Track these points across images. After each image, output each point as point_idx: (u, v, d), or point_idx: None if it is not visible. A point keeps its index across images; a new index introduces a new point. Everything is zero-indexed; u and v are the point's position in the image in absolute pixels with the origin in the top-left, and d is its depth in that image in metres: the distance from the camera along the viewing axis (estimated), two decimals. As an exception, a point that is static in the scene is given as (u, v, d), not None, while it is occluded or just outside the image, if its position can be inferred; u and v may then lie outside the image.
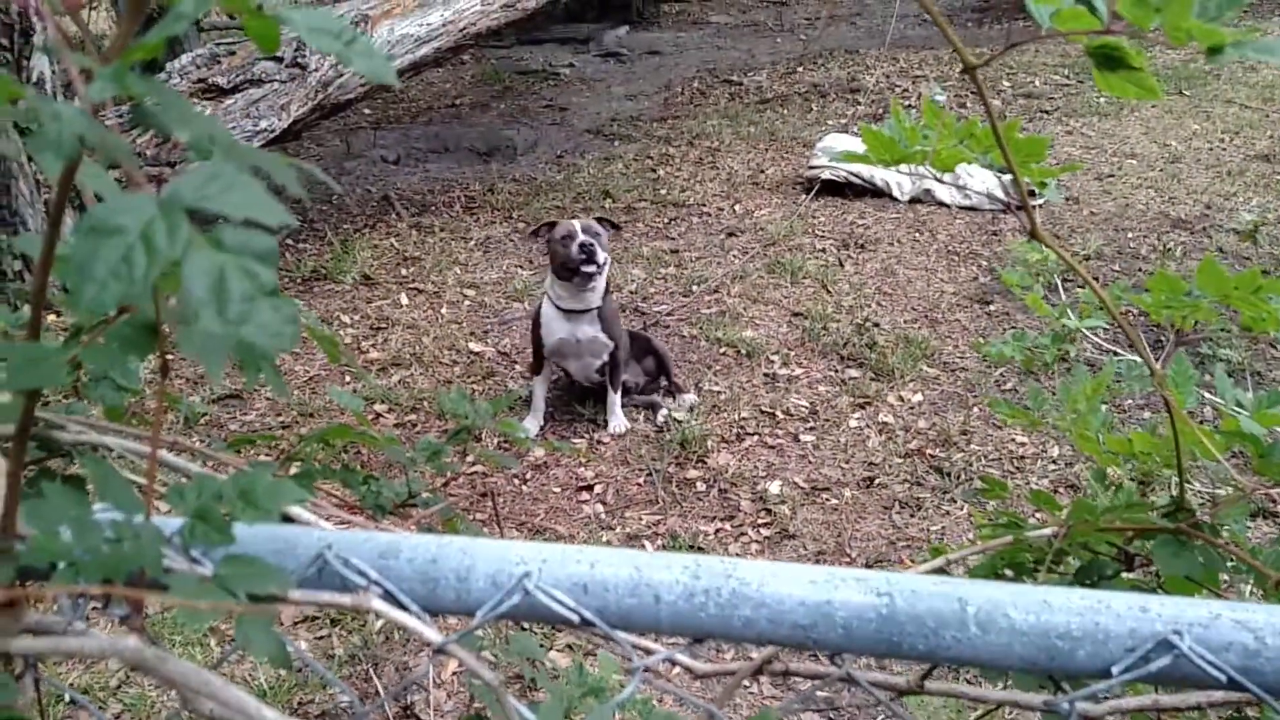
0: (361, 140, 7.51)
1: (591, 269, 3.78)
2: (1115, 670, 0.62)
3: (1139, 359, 1.21)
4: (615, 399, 4.03)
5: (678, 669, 0.77)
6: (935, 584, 0.65)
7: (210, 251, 0.46)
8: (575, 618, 0.66)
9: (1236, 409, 0.95)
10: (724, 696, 0.69)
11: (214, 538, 0.58)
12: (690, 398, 4.15)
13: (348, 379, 4.31)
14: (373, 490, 1.02)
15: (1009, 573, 0.85)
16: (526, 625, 2.99)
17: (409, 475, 1.07)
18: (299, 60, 4.57)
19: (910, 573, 0.69)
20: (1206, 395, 1.37)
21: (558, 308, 3.91)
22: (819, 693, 2.77)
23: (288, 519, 0.78)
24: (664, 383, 4.24)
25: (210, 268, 0.45)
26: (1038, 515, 2.68)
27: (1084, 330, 1.54)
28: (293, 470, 0.99)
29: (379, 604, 0.66)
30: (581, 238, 3.78)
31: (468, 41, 5.98)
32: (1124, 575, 0.85)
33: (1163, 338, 4.34)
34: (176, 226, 0.45)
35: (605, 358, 3.98)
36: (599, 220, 4.01)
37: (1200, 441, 0.77)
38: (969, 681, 2.16)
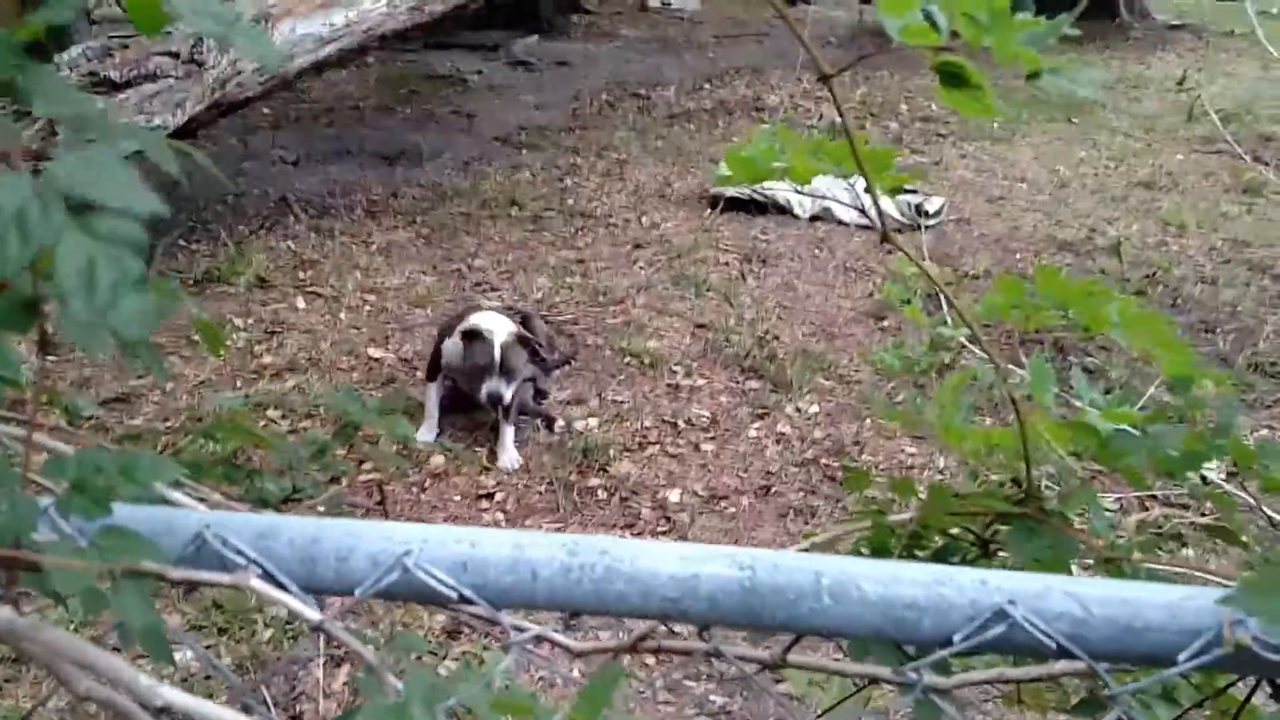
0: (260, 140, 7.35)
1: (496, 404, 3.70)
2: (956, 638, 0.67)
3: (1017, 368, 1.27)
4: (508, 433, 3.85)
5: (562, 653, 0.80)
6: (794, 558, 0.69)
7: (82, 238, 0.47)
8: (454, 594, 0.68)
9: (1091, 407, 1.02)
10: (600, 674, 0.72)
11: (91, 510, 0.58)
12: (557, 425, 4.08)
13: (239, 384, 4.22)
14: (256, 485, 1.02)
15: (865, 553, 0.89)
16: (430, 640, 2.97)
17: (294, 472, 1.07)
18: (195, 57, 4.46)
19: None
20: (1076, 402, 1.45)
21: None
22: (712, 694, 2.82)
23: (169, 504, 0.78)
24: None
25: (81, 255, 0.46)
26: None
27: (961, 338, 1.61)
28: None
29: (257, 583, 0.67)
30: (490, 385, 3.64)
31: (373, 43, 5.92)
32: (981, 560, 0.90)
33: (1055, 351, 4.53)
34: (51, 210, 0.46)
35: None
36: (519, 339, 3.75)
37: (1043, 434, 0.83)
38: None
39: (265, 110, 8.02)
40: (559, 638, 0.71)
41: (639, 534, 3.51)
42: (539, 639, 0.74)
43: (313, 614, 0.68)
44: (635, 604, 0.69)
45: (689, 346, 4.71)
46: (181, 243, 5.48)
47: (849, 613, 0.68)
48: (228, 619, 2.97)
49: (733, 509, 3.64)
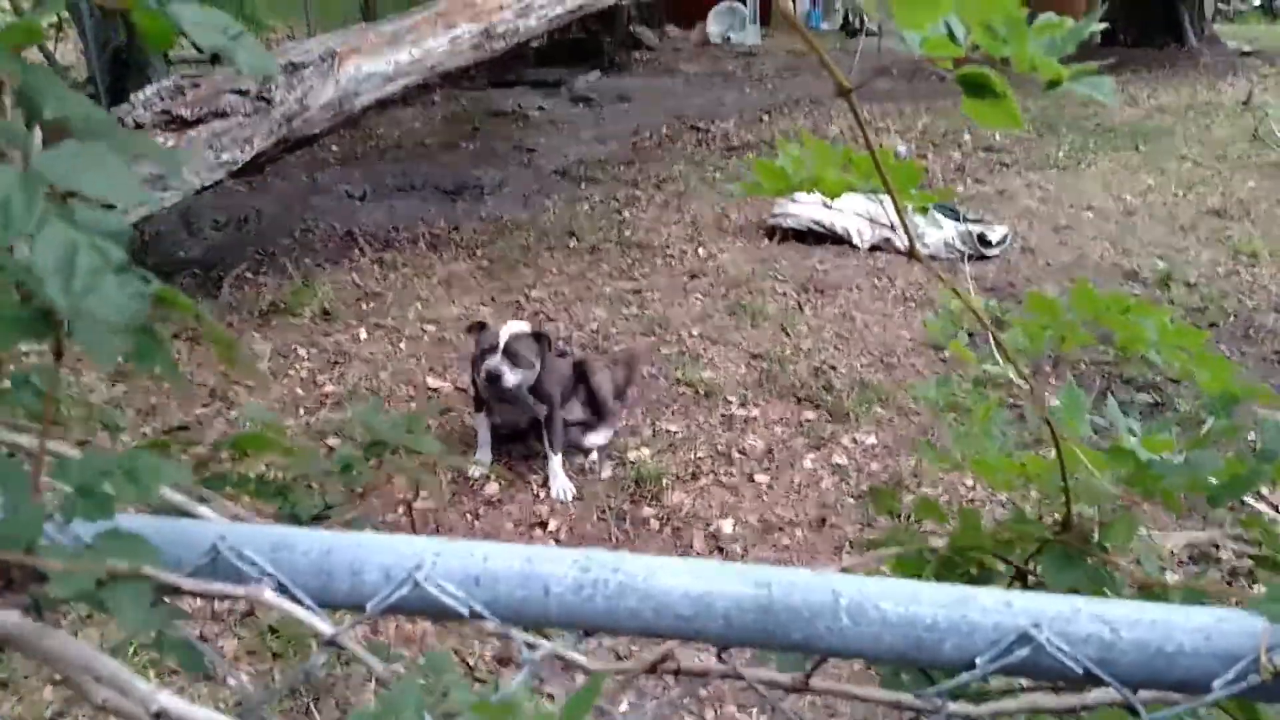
0: (328, 176, 7.53)
1: (498, 388, 3.70)
2: (980, 661, 0.64)
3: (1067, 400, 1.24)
4: (555, 462, 3.85)
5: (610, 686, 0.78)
6: (811, 576, 0.67)
7: (63, 226, 0.48)
8: (465, 610, 0.67)
9: (1129, 436, 0.99)
10: (617, 692, 0.70)
11: (94, 514, 0.59)
12: (600, 452, 4.06)
13: (301, 411, 4.29)
14: (289, 501, 1.02)
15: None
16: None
17: (323, 487, 1.08)
18: (264, 94, 4.59)
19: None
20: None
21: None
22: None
23: (192, 516, 0.79)
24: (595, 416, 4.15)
25: (61, 242, 0.48)
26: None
27: (1013, 374, 1.57)
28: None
29: (271, 596, 0.67)
30: (491, 362, 3.64)
31: (437, 80, 6.04)
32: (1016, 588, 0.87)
33: (1111, 383, 4.42)
34: (33, 200, 0.48)
35: (538, 414, 3.88)
36: (534, 335, 3.79)
37: (1081, 461, 0.80)
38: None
39: (333, 147, 8.23)
40: (574, 655, 0.70)
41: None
42: (557, 658, 0.72)
43: (325, 627, 0.67)
44: (648, 621, 0.67)
45: (744, 376, 4.68)
46: (249, 275, 5.62)
47: (868, 634, 0.65)
48: (283, 644, 3.00)
49: (787, 540, 3.58)
